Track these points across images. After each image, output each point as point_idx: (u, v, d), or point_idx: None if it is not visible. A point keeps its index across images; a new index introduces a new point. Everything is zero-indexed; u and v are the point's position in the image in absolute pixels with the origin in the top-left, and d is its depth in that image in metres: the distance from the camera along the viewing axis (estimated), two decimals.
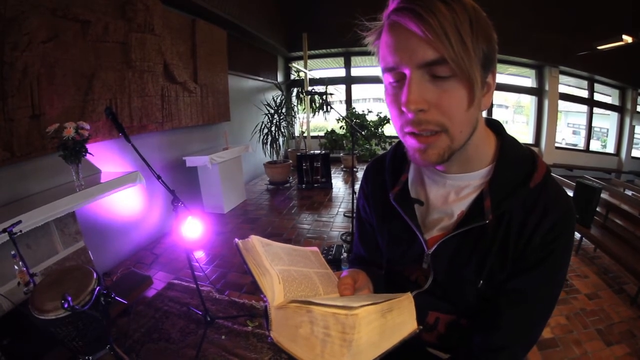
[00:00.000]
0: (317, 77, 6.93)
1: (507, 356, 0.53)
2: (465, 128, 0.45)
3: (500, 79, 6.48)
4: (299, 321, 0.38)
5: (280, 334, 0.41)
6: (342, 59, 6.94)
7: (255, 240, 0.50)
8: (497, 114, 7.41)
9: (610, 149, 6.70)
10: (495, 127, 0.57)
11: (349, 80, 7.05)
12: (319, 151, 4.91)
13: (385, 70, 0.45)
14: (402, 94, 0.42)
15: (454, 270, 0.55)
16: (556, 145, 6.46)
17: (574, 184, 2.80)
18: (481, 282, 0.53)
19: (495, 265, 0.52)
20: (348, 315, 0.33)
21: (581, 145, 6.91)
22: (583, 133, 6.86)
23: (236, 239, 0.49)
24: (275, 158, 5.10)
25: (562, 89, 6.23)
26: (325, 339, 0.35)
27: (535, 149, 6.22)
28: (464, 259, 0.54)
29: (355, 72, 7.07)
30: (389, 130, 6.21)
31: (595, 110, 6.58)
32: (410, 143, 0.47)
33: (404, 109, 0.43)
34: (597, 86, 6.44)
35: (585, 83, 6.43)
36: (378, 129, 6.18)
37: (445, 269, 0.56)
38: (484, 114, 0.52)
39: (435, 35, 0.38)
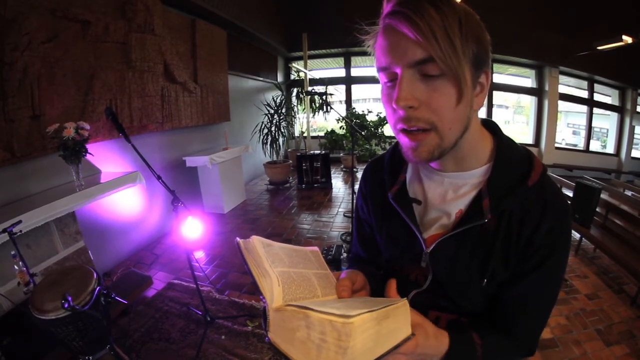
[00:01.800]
0: (317, 77, 6.93)
1: (518, 347, 0.55)
2: (455, 126, 0.47)
3: (500, 79, 6.48)
4: (296, 325, 0.39)
5: (278, 335, 0.42)
6: (342, 59, 6.95)
7: (256, 241, 0.50)
8: (497, 114, 7.40)
9: (610, 149, 6.71)
10: (491, 127, 0.58)
11: (348, 81, 7.05)
12: (318, 151, 4.91)
13: (380, 70, 0.47)
14: (394, 92, 0.44)
15: (453, 269, 0.55)
16: (556, 145, 6.47)
17: (574, 184, 2.80)
18: (485, 280, 0.53)
19: (499, 265, 0.52)
20: (345, 323, 0.34)
21: (581, 145, 6.92)
22: (583, 133, 6.87)
23: (237, 238, 0.49)
24: (275, 158, 5.10)
25: (562, 89, 6.23)
26: (321, 344, 0.36)
27: (535, 149, 6.28)
28: (464, 258, 0.54)
29: (355, 72, 7.07)
30: (389, 130, 6.20)
31: (595, 110, 6.58)
32: (403, 141, 0.49)
33: (394, 105, 0.45)
34: (597, 86, 6.44)
35: (585, 83, 6.44)
36: (378, 129, 6.18)
37: (445, 267, 0.56)
38: (484, 114, 0.53)
39: (424, 36, 0.40)
